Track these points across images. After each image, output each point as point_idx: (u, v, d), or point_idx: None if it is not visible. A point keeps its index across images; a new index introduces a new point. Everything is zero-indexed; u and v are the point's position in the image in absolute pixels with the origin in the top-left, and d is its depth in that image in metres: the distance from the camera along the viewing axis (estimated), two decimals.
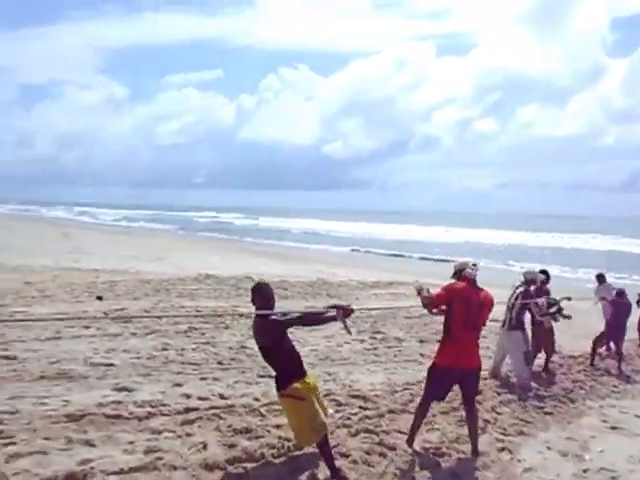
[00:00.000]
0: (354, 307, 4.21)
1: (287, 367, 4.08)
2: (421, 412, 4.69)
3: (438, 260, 25.49)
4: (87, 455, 3.99)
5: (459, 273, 4.66)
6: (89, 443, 4.20)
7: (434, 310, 4.69)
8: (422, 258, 27.34)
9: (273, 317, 3.96)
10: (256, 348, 7.41)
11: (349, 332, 4.36)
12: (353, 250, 31.43)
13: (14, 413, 4.57)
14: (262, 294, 4.10)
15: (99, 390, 5.36)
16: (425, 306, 4.61)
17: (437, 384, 4.61)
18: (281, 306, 10.36)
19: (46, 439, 4.18)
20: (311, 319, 4.33)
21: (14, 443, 4.05)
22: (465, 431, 4.89)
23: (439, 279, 16.59)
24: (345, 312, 4.12)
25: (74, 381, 5.55)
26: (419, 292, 4.58)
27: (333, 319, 4.17)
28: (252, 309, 10.40)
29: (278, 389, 4.09)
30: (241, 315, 9.46)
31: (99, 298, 9.81)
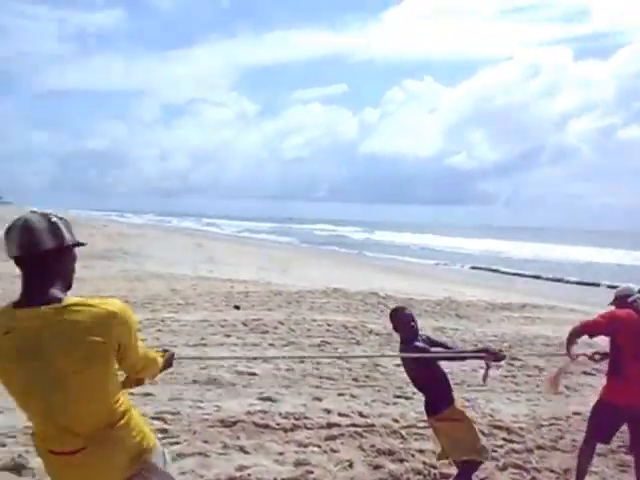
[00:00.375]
0: (504, 354, 4.01)
1: (437, 394, 3.97)
2: (586, 454, 4.32)
3: (574, 283, 23.79)
4: (242, 462, 4.19)
5: (621, 300, 4.29)
6: (243, 450, 4.41)
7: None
8: (554, 279, 25.53)
9: (417, 345, 3.87)
10: (390, 367, 7.45)
11: (484, 379, 4.10)
12: (474, 268, 30.36)
13: (175, 414, 4.93)
14: (399, 319, 4.03)
15: (246, 398, 5.62)
16: (577, 336, 4.26)
17: (603, 424, 4.25)
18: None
19: (204, 442, 4.46)
20: (456, 357, 4.18)
21: (178, 443, 4.37)
22: (628, 478, 4.48)
23: (573, 303, 15.45)
24: (497, 358, 3.94)
25: (223, 388, 5.88)
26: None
27: (479, 358, 4.01)
28: (381, 326, 10.33)
29: (429, 414, 4.00)
30: (370, 332, 9.55)
31: (237, 307, 10.37)
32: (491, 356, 3.90)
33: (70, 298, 1.93)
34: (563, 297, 17.40)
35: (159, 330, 8.17)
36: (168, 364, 2.52)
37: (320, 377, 6.72)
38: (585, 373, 7.58)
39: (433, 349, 3.86)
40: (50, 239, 1.92)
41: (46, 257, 1.92)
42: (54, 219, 1.97)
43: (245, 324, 9.07)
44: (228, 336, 8.23)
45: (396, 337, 10.30)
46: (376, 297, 13.34)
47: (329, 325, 9.72)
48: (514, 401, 6.57)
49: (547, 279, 25.65)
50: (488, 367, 3.94)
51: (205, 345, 7.58)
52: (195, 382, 5.95)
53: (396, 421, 5.41)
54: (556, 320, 12.38)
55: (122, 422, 2.04)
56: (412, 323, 3.96)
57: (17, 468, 3.77)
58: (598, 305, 15.24)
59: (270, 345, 7.99)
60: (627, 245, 55.68)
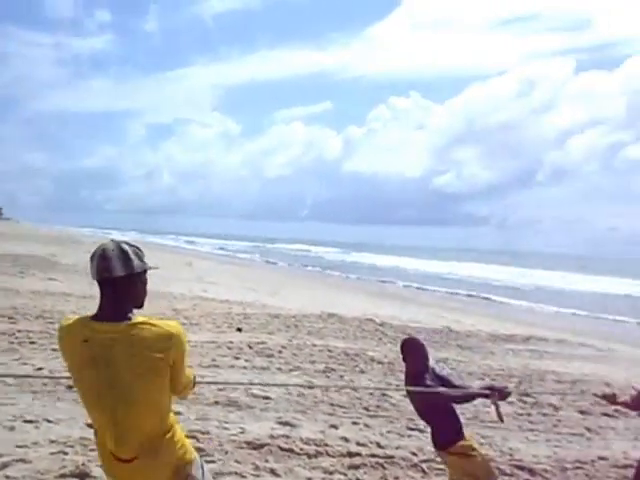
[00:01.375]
0: (509, 390, 3.98)
1: (445, 427, 3.96)
2: None
3: (588, 316, 22.92)
4: None
5: None
6: (274, 472, 4.70)
7: None
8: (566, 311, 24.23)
9: (427, 383, 3.84)
10: (397, 397, 7.71)
11: (501, 419, 4.05)
12: (460, 294, 29.93)
13: (205, 433, 5.22)
14: (411, 351, 3.98)
15: (266, 422, 5.91)
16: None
17: None
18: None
19: (237, 462, 4.75)
20: (461, 397, 3.98)
21: (214, 462, 4.66)
22: None
23: (584, 337, 15.29)
24: (501, 395, 3.89)
25: (242, 410, 6.17)
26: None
27: (484, 396, 3.95)
28: (381, 355, 10.52)
29: (437, 447, 4.00)
30: (372, 360, 9.80)
31: (239, 330, 10.70)
32: (495, 394, 3.87)
33: (138, 317, 2.30)
34: (569, 329, 17.12)
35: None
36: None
37: (332, 404, 6.97)
38: (606, 415, 7.48)
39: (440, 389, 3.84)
40: (120, 267, 2.26)
41: (118, 282, 2.26)
42: (125, 247, 2.31)
43: (250, 347, 9.38)
44: (237, 358, 8.54)
45: (399, 366, 10.55)
46: (372, 324, 13.61)
47: (330, 351, 10.00)
48: (532, 441, 6.52)
49: (551, 310, 24.60)
50: (497, 406, 3.92)
51: (217, 367, 7.88)
52: (217, 403, 6.24)
53: (414, 454, 5.55)
54: (565, 355, 12.34)
55: (169, 434, 2.39)
56: (425, 356, 3.96)
57: (81, 476, 4.11)
58: (605, 339, 15.08)
59: (278, 369, 8.30)
60: (636, 274, 51.81)
